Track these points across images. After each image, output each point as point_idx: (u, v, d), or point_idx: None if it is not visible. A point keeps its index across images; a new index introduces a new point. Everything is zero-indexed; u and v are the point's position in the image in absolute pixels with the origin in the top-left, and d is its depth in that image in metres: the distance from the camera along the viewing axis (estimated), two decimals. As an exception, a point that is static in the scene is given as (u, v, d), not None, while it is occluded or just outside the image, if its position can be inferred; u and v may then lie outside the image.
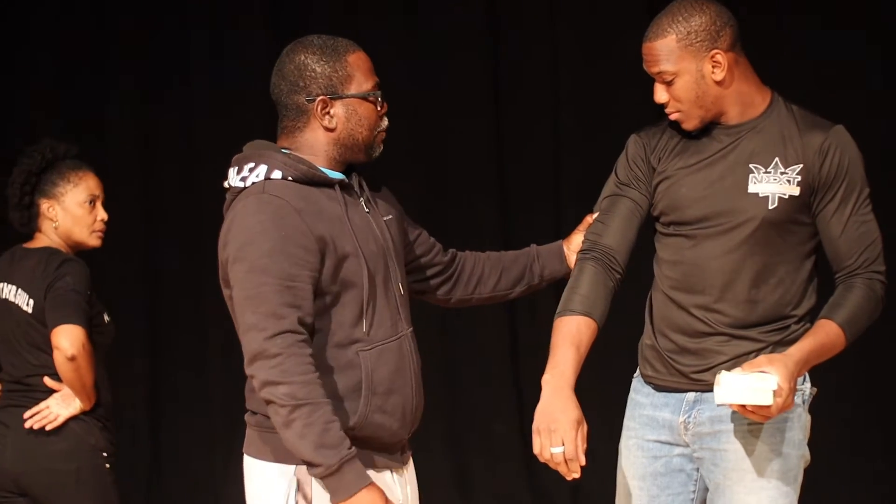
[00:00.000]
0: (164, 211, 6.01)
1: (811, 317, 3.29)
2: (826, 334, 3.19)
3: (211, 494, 5.90)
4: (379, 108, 3.08)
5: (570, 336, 3.22)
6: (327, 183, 3.02)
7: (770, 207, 3.21)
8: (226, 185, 3.06)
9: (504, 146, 5.90)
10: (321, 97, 3.01)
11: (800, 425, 3.31)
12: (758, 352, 3.22)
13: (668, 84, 3.22)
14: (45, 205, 4.16)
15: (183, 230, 5.95)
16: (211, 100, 5.97)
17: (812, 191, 3.23)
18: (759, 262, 3.23)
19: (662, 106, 3.31)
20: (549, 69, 5.89)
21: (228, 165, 3.07)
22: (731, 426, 3.27)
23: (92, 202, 4.19)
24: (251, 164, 3.00)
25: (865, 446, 5.67)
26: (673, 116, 3.28)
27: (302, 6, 5.90)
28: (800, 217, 3.24)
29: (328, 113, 3.02)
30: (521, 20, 5.90)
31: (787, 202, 3.22)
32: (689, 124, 3.27)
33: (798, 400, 3.30)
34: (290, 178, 2.98)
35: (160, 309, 6.00)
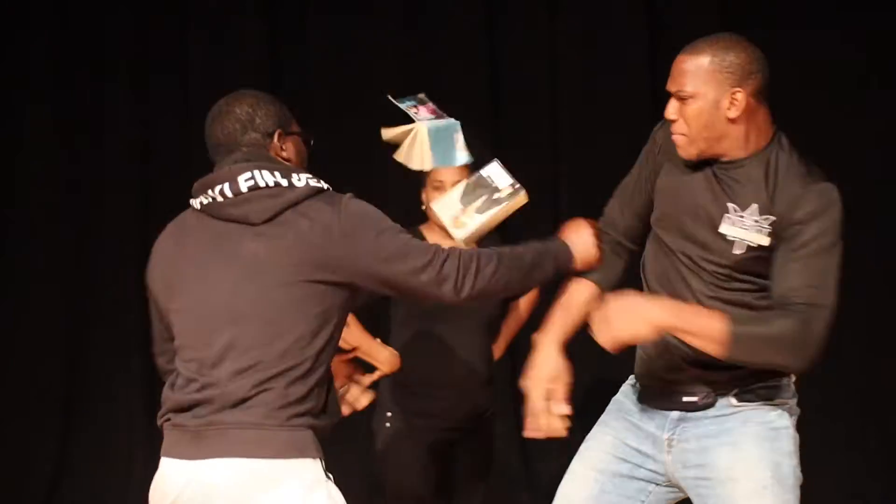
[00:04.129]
0: (160, 210, 5.99)
1: None
2: (709, 315, 3.09)
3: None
4: None
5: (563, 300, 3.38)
6: None
7: (735, 253, 3.18)
8: (247, 184, 3.17)
9: (502, 146, 5.89)
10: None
11: (787, 436, 3.29)
12: (732, 377, 3.22)
13: (683, 103, 3.19)
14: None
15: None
16: (209, 99, 5.96)
17: (780, 239, 3.16)
18: (731, 295, 3.21)
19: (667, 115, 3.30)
20: (549, 70, 5.88)
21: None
22: (717, 440, 3.28)
23: (438, 189, 4.44)
24: (282, 170, 3.17)
25: (860, 446, 5.66)
26: (676, 138, 3.24)
27: (299, 5, 5.90)
28: (763, 270, 3.18)
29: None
30: (520, 20, 5.90)
31: (754, 251, 3.18)
32: (687, 151, 3.23)
33: (786, 416, 3.30)
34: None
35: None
